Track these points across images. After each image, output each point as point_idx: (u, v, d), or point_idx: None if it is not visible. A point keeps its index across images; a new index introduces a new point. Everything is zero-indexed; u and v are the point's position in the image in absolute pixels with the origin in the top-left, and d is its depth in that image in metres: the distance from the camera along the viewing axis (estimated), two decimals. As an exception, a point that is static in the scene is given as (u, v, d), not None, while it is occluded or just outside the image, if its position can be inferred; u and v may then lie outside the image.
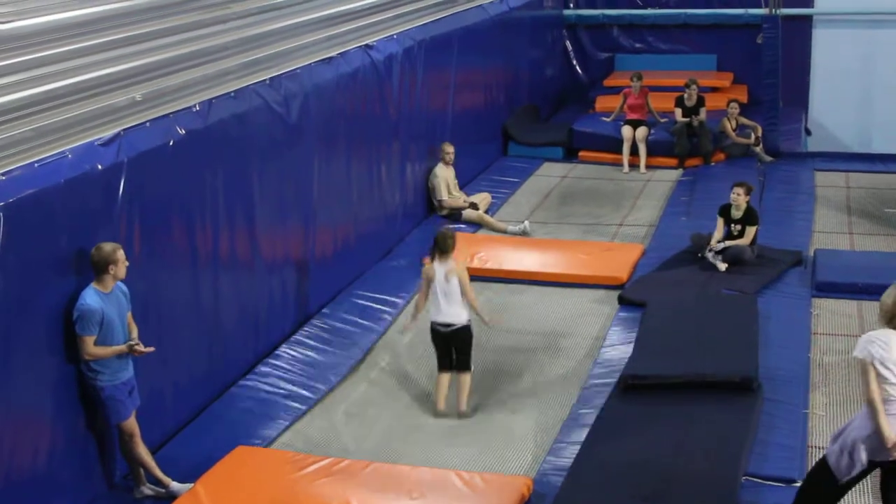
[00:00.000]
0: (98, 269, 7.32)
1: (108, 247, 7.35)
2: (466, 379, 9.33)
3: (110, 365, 7.43)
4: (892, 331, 6.60)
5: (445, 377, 9.38)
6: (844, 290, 11.23)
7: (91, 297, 7.29)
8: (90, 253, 7.33)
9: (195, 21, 9.09)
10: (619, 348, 10.03)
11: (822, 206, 14.57)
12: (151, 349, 7.63)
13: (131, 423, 7.66)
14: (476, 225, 13.95)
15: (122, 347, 7.45)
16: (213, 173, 9.11)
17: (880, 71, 19.39)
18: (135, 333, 7.67)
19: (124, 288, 7.58)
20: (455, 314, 9.29)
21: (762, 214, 12.65)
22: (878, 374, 6.48)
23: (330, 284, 11.37)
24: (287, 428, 8.94)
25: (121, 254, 7.39)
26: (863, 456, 6.54)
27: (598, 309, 11.25)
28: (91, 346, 7.30)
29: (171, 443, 8.59)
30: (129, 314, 7.65)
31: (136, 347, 7.52)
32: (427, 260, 9.61)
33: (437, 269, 9.30)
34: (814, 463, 7.25)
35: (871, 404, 6.48)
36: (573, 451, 8.20)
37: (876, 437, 6.49)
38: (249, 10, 9.92)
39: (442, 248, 9.35)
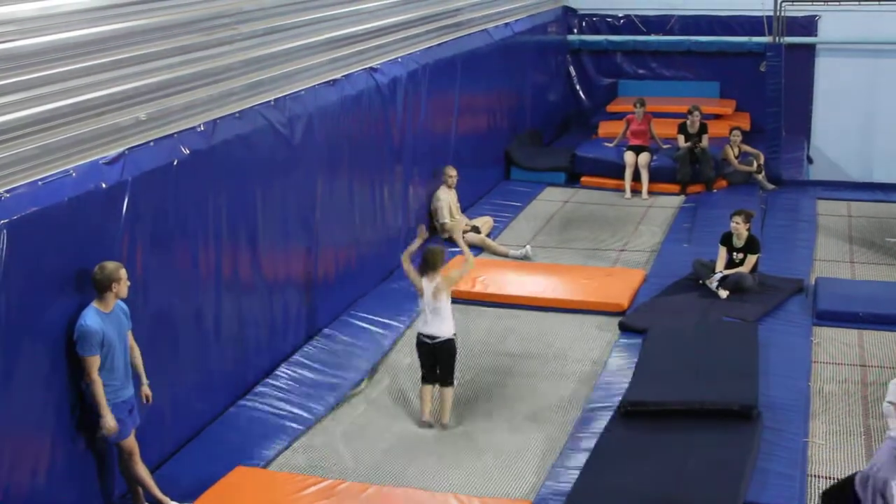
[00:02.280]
0: (100, 287, 7.33)
1: (111, 265, 7.36)
2: (449, 394, 9.53)
3: (111, 384, 7.42)
4: None
5: (428, 390, 9.61)
6: (845, 318, 11.22)
7: (91, 318, 7.28)
8: (93, 271, 7.33)
9: (200, 42, 9.13)
10: (619, 374, 10.02)
11: (824, 234, 14.59)
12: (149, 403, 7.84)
13: (131, 442, 7.66)
14: (478, 249, 13.96)
15: (108, 414, 7.41)
16: (216, 193, 9.13)
17: (882, 100, 19.45)
18: (136, 352, 7.69)
19: (125, 307, 7.58)
20: (441, 329, 9.48)
21: (764, 242, 12.66)
22: None
23: (331, 305, 11.38)
24: (286, 448, 8.94)
25: (123, 273, 7.40)
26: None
27: (599, 334, 11.24)
28: (93, 368, 7.28)
29: (170, 462, 8.58)
30: (130, 333, 7.65)
31: (146, 392, 7.82)
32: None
33: (426, 285, 9.46)
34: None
35: None
36: (573, 475, 8.20)
37: None
38: (254, 32, 9.96)
39: (431, 263, 9.54)
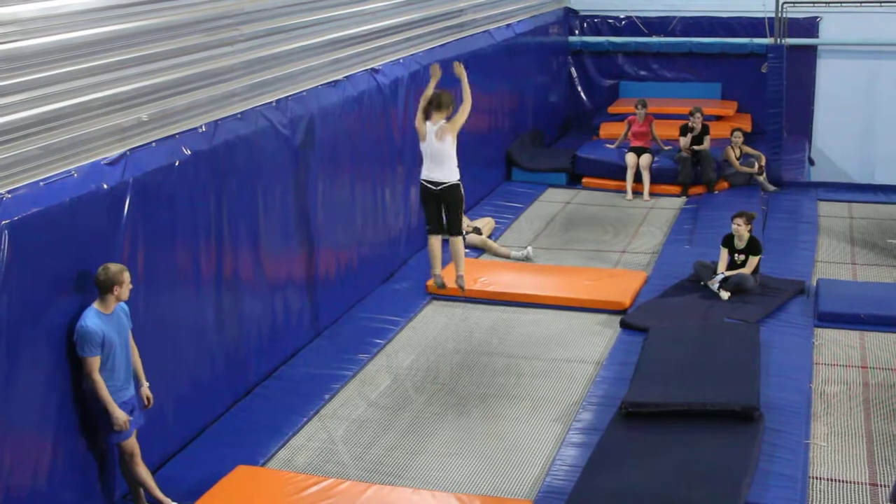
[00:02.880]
0: (103, 289, 7.32)
1: (114, 267, 7.36)
2: (459, 243, 9.80)
3: (111, 384, 7.42)
4: None
5: (436, 240, 9.88)
6: (847, 320, 11.22)
7: (91, 319, 7.27)
8: (96, 272, 7.33)
9: (202, 42, 9.13)
10: (619, 373, 10.02)
11: (825, 235, 14.60)
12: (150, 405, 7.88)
13: (132, 443, 7.65)
14: (479, 250, 13.96)
15: (116, 410, 7.43)
16: (218, 194, 9.13)
17: (884, 102, 19.45)
18: (136, 354, 7.68)
19: (125, 307, 7.58)
20: (445, 173, 9.65)
21: (765, 244, 12.66)
22: None
23: (333, 306, 11.38)
24: (287, 448, 8.94)
25: (127, 276, 7.39)
26: None
27: (600, 333, 11.25)
28: (94, 368, 7.29)
29: (171, 462, 8.58)
30: (130, 333, 7.65)
31: (146, 393, 7.77)
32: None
33: (430, 128, 9.51)
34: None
35: None
36: (573, 474, 8.20)
37: None
38: (256, 33, 9.96)
39: (436, 103, 9.63)
